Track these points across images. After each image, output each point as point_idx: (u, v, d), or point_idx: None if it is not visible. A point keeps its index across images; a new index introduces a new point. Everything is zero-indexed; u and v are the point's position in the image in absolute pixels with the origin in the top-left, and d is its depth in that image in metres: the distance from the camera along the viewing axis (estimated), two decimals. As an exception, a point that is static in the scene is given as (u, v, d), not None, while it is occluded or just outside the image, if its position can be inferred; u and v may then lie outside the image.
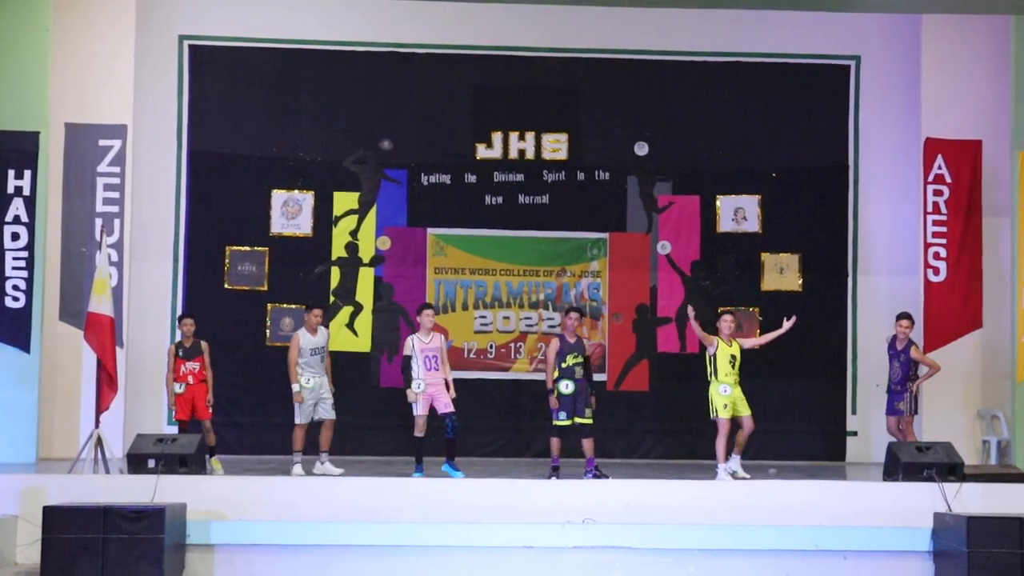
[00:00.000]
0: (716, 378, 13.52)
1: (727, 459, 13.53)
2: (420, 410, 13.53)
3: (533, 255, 17.29)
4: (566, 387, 13.49)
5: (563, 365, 13.55)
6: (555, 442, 13.62)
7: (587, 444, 13.53)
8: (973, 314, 16.48)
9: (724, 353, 13.54)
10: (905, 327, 14.54)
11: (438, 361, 13.65)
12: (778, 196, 17.36)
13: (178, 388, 13.94)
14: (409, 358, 13.63)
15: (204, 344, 14.12)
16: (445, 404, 13.57)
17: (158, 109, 16.91)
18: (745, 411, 13.55)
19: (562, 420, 13.52)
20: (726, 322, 13.70)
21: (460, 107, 17.37)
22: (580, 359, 13.62)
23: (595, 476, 13.27)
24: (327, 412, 13.89)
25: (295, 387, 13.76)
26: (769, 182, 17.39)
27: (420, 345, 13.63)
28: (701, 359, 13.95)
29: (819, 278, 17.33)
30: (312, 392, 13.79)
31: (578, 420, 13.52)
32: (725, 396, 13.49)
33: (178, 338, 14.43)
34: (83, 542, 10.92)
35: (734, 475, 13.41)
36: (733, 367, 13.53)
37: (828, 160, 17.45)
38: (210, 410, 14.06)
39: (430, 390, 13.53)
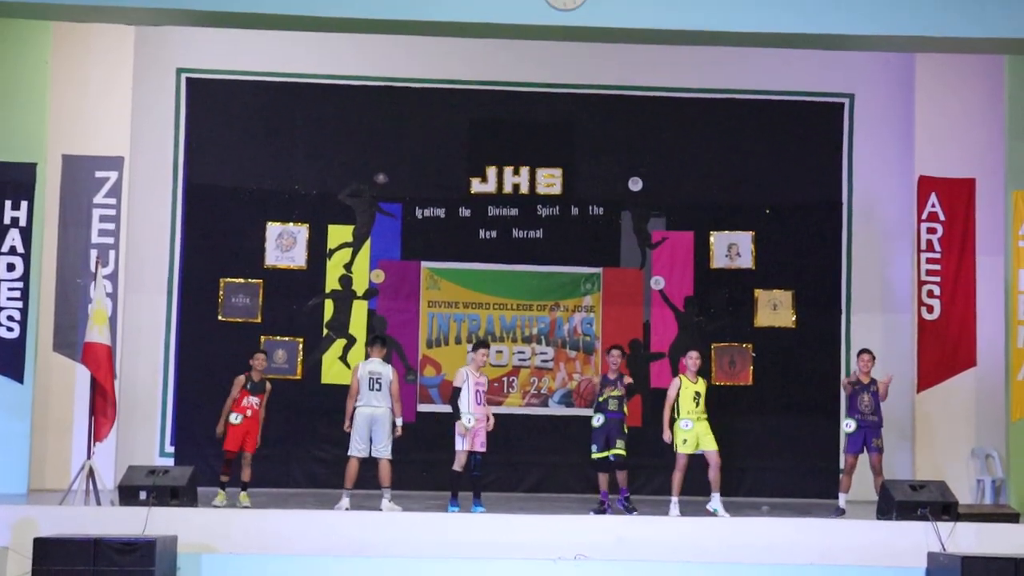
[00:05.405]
0: (679, 415, 13.77)
1: (680, 493, 13.68)
2: (465, 445, 13.59)
3: (526, 289, 17.28)
4: (597, 420, 13.95)
5: (599, 399, 13.95)
6: (599, 477, 14.05)
7: (619, 475, 13.89)
8: (967, 352, 16.47)
9: (688, 390, 13.77)
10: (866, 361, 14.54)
11: (482, 396, 13.75)
12: (772, 232, 17.37)
13: (235, 419, 13.95)
14: (459, 390, 13.71)
15: (269, 385, 14.25)
16: (481, 443, 13.69)
17: (155, 141, 16.93)
18: (709, 446, 13.74)
19: (594, 452, 13.93)
20: (691, 359, 13.99)
21: (455, 141, 17.39)
22: (617, 393, 13.93)
23: (624, 507, 13.43)
24: (376, 451, 13.68)
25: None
26: (763, 218, 17.41)
27: (474, 379, 13.78)
28: (694, 396, 14.08)
29: (812, 315, 17.30)
30: (364, 423, 13.64)
31: (613, 452, 13.85)
32: (686, 431, 13.73)
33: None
34: (73, 574, 10.91)
35: (715, 513, 13.46)
36: (697, 404, 13.76)
37: (822, 197, 17.47)
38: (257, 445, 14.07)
39: (477, 425, 13.61)
